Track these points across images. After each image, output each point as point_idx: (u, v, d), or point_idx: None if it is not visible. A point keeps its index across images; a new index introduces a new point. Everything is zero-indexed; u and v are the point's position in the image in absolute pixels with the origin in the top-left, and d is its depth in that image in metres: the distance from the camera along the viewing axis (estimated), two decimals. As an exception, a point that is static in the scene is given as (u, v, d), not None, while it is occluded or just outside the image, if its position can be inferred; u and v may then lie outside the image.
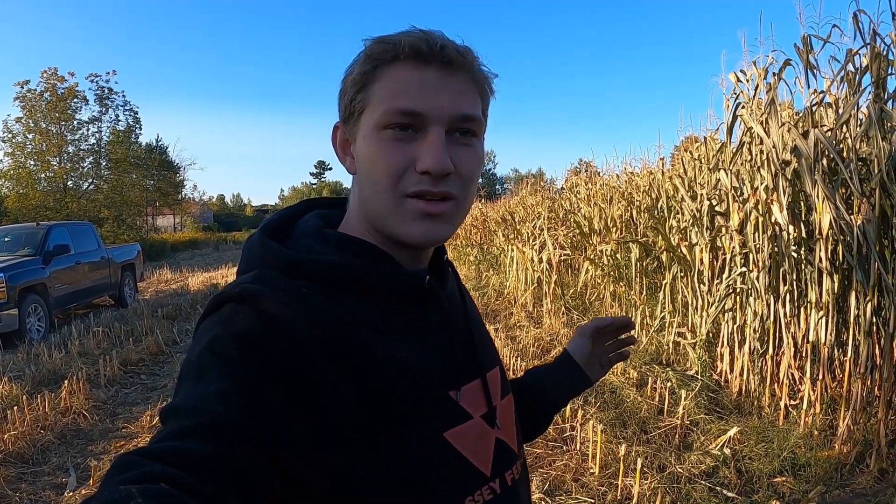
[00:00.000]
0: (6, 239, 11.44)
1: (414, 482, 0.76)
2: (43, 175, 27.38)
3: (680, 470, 4.08)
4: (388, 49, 0.81)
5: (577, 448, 4.56)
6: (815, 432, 4.24)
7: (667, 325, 6.52)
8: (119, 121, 29.91)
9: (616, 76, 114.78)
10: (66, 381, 6.27)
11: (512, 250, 10.58)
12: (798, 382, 4.62)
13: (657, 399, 5.14)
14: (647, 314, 7.11)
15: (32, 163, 27.28)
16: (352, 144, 0.87)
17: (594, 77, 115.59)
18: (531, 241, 10.06)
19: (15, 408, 5.58)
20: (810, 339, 4.41)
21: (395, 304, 0.84)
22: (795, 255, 4.62)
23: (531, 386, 1.21)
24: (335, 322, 0.77)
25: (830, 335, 4.34)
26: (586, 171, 11.96)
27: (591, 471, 4.21)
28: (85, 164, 28.92)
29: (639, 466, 3.75)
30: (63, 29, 59.76)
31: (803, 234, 4.60)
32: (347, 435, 0.71)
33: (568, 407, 4.99)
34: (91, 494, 0.54)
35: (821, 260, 4.35)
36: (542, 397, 1.21)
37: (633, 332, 1.32)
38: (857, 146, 4.29)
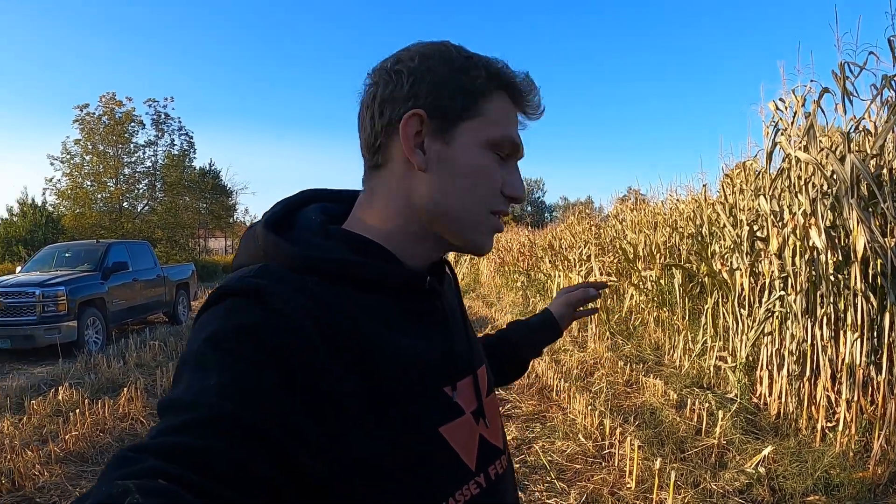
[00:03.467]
0: (67, 255, 11.87)
1: (410, 475, 0.77)
2: (99, 195, 28.00)
3: (714, 486, 4.16)
4: (513, 77, 0.89)
5: (616, 464, 4.66)
6: (851, 453, 4.27)
7: (708, 349, 6.57)
8: (174, 145, 30.33)
9: (662, 104, 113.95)
10: (124, 389, 6.59)
11: (558, 276, 10.69)
12: (834, 404, 4.66)
13: (695, 420, 5.22)
14: (690, 339, 7.16)
15: (89, 183, 27.91)
16: (432, 141, 0.86)
17: (642, 104, 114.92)
18: (577, 267, 10.17)
19: (77, 410, 5.92)
20: (846, 360, 4.46)
21: (399, 301, 0.86)
22: (833, 278, 4.68)
23: (517, 340, 1.45)
24: (338, 315, 0.77)
25: (865, 357, 4.39)
26: (633, 198, 12.01)
27: (628, 485, 4.32)
28: (140, 186, 29.46)
29: (672, 480, 3.85)
30: (122, 55, 61.82)
31: (840, 258, 4.66)
32: (349, 428, 0.72)
33: (607, 425, 5.11)
34: (88, 490, 0.54)
35: (856, 282, 4.42)
36: (527, 351, 1.47)
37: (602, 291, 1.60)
38: (894, 169, 4.38)
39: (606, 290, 8.91)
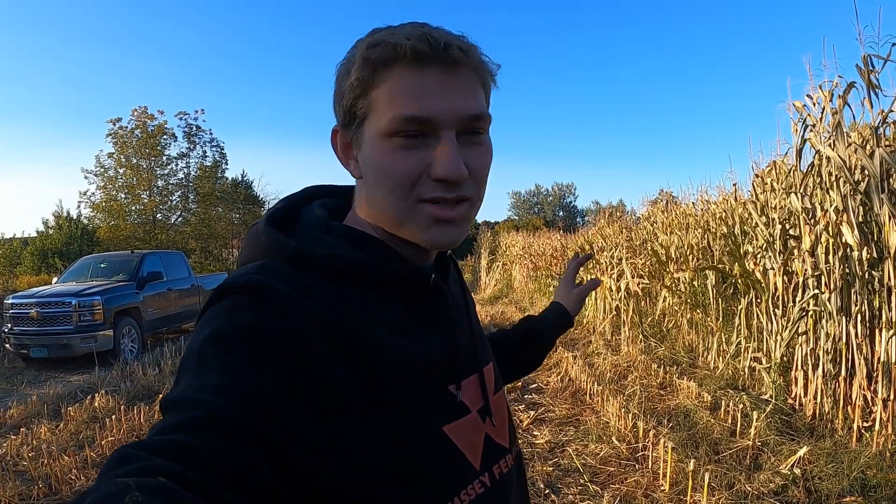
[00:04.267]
0: (102, 265, 12.21)
1: (413, 475, 0.76)
2: (133, 207, 28.07)
3: (749, 488, 4.12)
4: (386, 52, 0.78)
5: (650, 467, 4.64)
6: (888, 453, 4.20)
7: (742, 350, 6.50)
8: (206, 156, 30.33)
9: (692, 105, 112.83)
10: (159, 396, 6.70)
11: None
12: (871, 404, 4.59)
13: (730, 421, 5.17)
14: (724, 340, 7.09)
15: (123, 196, 28.02)
16: (355, 150, 0.86)
17: (671, 106, 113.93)
18: (609, 270, 10.11)
19: (113, 417, 6.07)
20: (881, 359, 4.39)
21: (401, 298, 0.85)
22: (867, 275, 4.61)
23: (535, 335, 1.48)
24: (340, 314, 0.77)
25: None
26: (665, 201, 11.90)
27: (662, 488, 4.30)
28: (173, 198, 29.45)
29: (706, 482, 3.83)
30: (154, 70, 62.90)
31: (874, 254, 4.59)
32: (350, 428, 0.72)
33: (640, 427, 5.09)
34: (88, 487, 0.53)
35: (889, 279, 4.35)
36: (545, 346, 1.51)
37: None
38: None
39: (635, 289, 8.87)
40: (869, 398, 4.59)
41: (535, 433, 5.73)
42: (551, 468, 4.82)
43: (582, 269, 10.42)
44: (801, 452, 4.30)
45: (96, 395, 7.22)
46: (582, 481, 4.57)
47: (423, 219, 0.83)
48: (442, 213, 0.82)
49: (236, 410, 0.64)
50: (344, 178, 0.93)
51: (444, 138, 0.80)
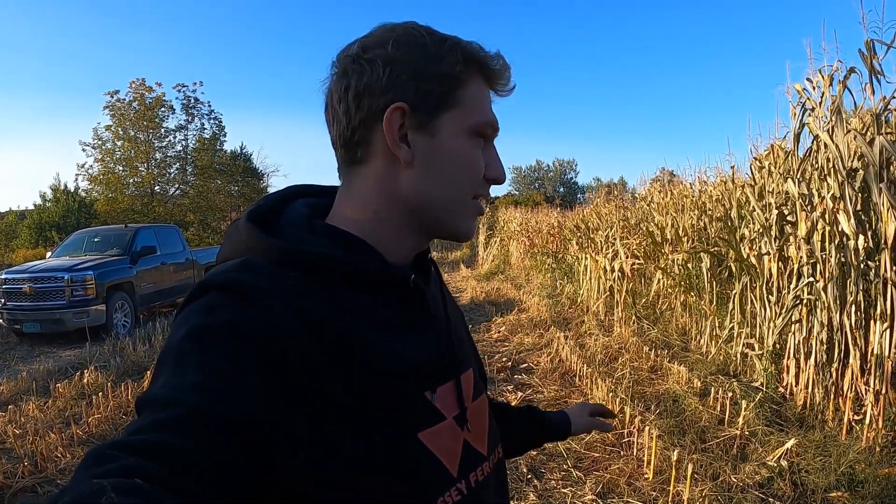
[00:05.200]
0: (96, 239, 12.23)
1: (390, 481, 0.76)
2: (131, 180, 28.11)
3: (734, 479, 4.06)
4: (485, 59, 0.87)
5: (634, 453, 4.58)
6: (878, 448, 4.13)
7: (735, 335, 6.43)
8: (204, 129, 30.41)
9: (696, 84, 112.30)
10: (148, 372, 6.64)
11: (585, 259, 10.55)
12: (863, 396, 4.51)
13: (718, 409, 5.10)
14: (717, 324, 7.01)
15: (121, 168, 28.07)
16: (418, 134, 0.85)
17: (676, 85, 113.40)
18: (604, 249, 10.02)
19: (100, 394, 6.01)
20: (875, 351, 4.30)
21: (379, 299, 0.84)
22: (863, 265, 4.52)
23: (533, 427, 1.44)
24: (321, 313, 0.76)
25: (895, 348, 4.23)
26: (666, 179, 11.79)
27: (646, 476, 4.24)
28: (171, 171, 29.53)
29: (689, 472, 3.76)
30: (152, 41, 62.39)
31: (870, 244, 4.49)
32: (329, 428, 0.71)
33: (627, 412, 5.03)
34: (62, 488, 0.53)
35: (885, 269, 4.26)
36: (537, 440, 1.47)
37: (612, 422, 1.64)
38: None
39: (627, 271, 8.80)
40: (862, 390, 4.51)
41: (522, 415, 5.65)
42: (536, 452, 4.75)
43: (587, 252, 10.29)
44: (788, 444, 4.23)
45: (85, 371, 7.17)
46: (566, 466, 4.51)
47: (473, 211, 0.90)
48: (482, 208, 0.92)
49: (213, 409, 0.63)
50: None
51: (493, 146, 0.92)
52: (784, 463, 4.12)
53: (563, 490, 4.20)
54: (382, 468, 0.75)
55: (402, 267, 0.90)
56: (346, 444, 0.72)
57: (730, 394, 5.11)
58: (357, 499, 0.73)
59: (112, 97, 27.62)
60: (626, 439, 4.80)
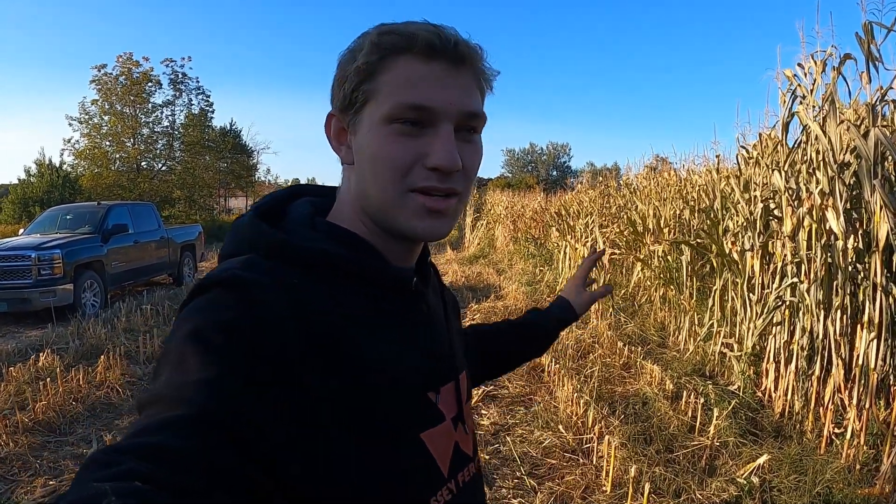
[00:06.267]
0: (68, 217, 11.99)
1: (388, 481, 0.76)
2: (117, 155, 28.18)
3: (699, 496, 3.73)
4: (398, 40, 0.79)
5: (594, 462, 4.24)
6: (857, 465, 3.79)
7: (714, 333, 6.09)
8: (192, 105, 30.51)
9: (692, 71, 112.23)
10: (102, 356, 6.37)
11: (565, 246, 10.21)
12: (844, 409, 4.17)
13: (689, 414, 4.74)
14: (696, 321, 6.67)
15: (107, 143, 28.12)
16: (349, 135, 0.85)
17: (674, 71, 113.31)
18: (583, 237, 9.68)
19: (48, 379, 5.71)
20: (860, 362, 3.95)
21: (381, 300, 0.84)
22: (851, 267, 4.16)
23: (538, 329, 1.46)
24: (323, 315, 0.75)
25: (882, 359, 3.88)
26: (658, 166, 11.42)
27: (604, 488, 3.90)
28: (158, 146, 29.57)
29: (646, 491, 3.40)
30: (140, 15, 61.67)
31: (860, 245, 4.13)
32: (329, 429, 0.70)
33: (590, 416, 4.68)
34: (62, 493, 0.52)
35: (875, 274, 3.89)
36: (549, 338, 1.49)
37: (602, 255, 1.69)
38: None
39: (605, 262, 8.48)
40: (845, 402, 4.16)
41: (483, 412, 5.31)
42: (489, 456, 4.41)
43: (566, 240, 10.00)
44: (761, 460, 3.88)
45: (41, 353, 6.80)
46: (519, 473, 4.17)
47: (410, 207, 0.82)
48: (433, 204, 0.82)
49: (217, 409, 0.62)
50: (331, 162, 0.79)
51: (441, 129, 0.81)
52: (755, 479, 3.77)
53: (512, 501, 3.85)
54: (384, 468, 0.75)
55: (404, 268, 0.89)
56: (346, 445, 0.71)
57: (702, 399, 4.77)
58: (357, 499, 0.72)
59: (99, 71, 27.70)
60: (587, 445, 4.45)
